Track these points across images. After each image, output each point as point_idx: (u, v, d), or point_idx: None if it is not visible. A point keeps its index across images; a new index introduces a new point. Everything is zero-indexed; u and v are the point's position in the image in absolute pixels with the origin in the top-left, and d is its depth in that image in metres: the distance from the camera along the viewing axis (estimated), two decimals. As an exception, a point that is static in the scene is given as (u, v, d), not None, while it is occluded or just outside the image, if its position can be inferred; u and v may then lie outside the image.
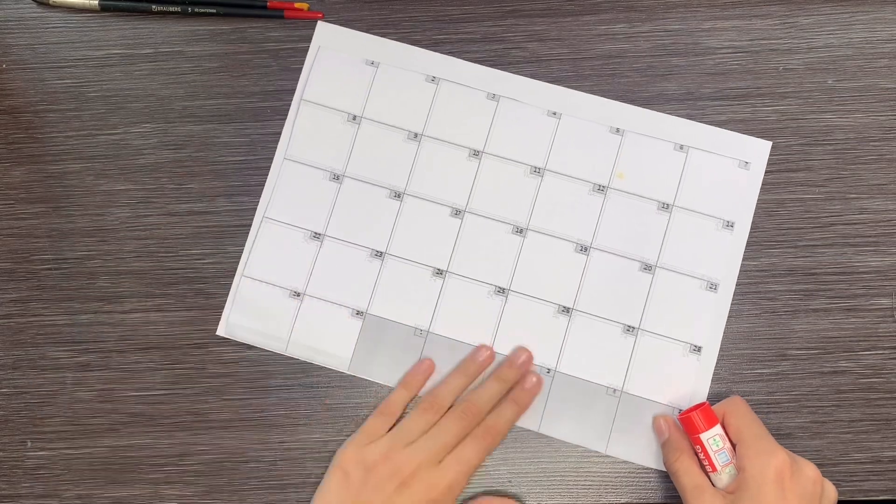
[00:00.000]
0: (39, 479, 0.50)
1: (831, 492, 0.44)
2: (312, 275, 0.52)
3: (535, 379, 0.49)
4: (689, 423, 0.46)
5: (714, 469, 0.45)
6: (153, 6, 0.54)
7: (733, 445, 0.45)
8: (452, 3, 0.55)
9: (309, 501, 0.49)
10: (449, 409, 0.48)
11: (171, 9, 0.54)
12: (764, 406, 0.49)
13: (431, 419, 0.48)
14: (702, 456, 0.46)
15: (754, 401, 0.49)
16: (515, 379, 0.49)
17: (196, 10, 0.55)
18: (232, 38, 0.55)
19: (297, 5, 0.54)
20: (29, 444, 0.50)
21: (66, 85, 0.54)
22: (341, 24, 0.54)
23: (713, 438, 0.45)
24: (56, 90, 0.54)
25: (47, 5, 0.55)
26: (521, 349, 0.50)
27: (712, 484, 0.45)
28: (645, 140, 0.52)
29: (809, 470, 0.44)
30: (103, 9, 0.55)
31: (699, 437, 0.46)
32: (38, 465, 0.50)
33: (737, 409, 0.46)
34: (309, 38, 0.54)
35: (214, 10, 0.55)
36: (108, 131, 0.54)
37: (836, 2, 0.54)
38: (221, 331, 0.51)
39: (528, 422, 0.49)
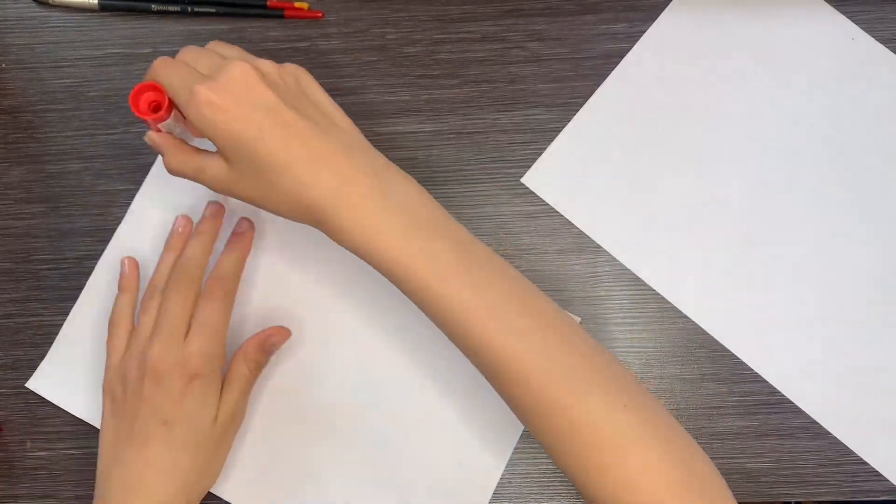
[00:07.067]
0: (39, 479, 0.50)
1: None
2: None
3: (246, 223, 0.50)
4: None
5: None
6: (153, 6, 0.54)
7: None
8: (452, 3, 0.55)
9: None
10: None
11: (171, 8, 0.54)
12: (765, 406, 0.49)
13: (156, 304, 0.46)
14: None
15: (754, 400, 0.49)
16: (215, 230, 0.49)
17: (196, 9, 0.54)
18: (232, 38, 0.54)
19: (297, 5, 0.54)
20: (29, 444, 0.50)
21: (65, 84, 0.54)
22: (341, 23, 0.54)
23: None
24: (56, 90, 0.54)
25: (47, 5, 0.55)
26: (210, 209, 0.50)
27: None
28: None
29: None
30: (103, 8, 0.55)
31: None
32: (38, 465, 0.50)
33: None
34: (309, 38, 0.54)
35: (214, 10, 0.55)
36: (108, 131, 0.53)
37: (837, 1, 0.54)
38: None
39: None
